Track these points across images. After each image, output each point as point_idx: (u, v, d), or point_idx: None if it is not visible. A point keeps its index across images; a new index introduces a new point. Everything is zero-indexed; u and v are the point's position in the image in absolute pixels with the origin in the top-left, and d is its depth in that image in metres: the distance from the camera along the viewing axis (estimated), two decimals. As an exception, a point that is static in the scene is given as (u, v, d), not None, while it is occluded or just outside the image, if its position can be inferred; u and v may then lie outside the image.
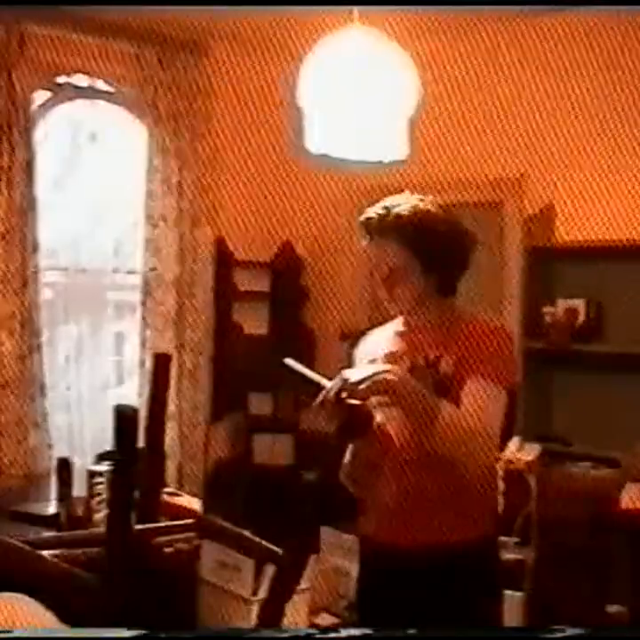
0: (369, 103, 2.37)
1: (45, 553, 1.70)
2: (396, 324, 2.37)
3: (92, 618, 1.60)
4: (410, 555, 2.18)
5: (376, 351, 2.33)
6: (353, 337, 4.44)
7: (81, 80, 4.31)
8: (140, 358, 4.43)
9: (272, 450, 4.74)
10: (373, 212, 2.24)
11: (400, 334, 2.33)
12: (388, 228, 2.20)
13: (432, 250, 2.21)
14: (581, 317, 4.01)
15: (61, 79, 4.24)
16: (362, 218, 2.26)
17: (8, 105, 3.87)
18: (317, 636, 1.46)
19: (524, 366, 4.03)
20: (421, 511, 2.19)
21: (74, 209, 4.40)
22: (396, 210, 2.21)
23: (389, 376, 2.09)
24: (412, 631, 1.43)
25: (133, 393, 4.41)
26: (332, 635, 1.45)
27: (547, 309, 4.03)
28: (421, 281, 2.24)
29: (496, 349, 2.21)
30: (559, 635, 1.38)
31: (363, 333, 2.53)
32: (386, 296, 2.27)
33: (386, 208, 2.22)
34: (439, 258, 2.23)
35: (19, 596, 1.58)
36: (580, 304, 4.01)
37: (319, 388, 2.10)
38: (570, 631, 1.36)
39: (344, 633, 1.47)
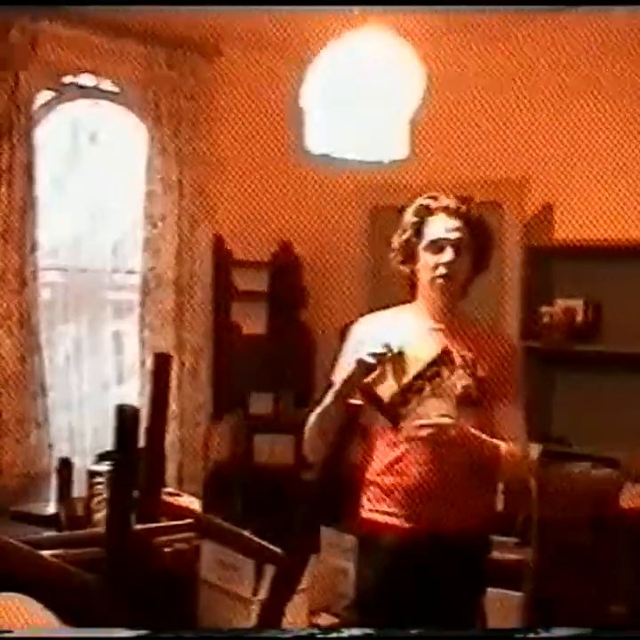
0: (370, 103, 2.37)
1: (45, 553, 1.70)
2: (424, 319, 2.41)
3: (92, 618, 1.60)
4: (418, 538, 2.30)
5: (404, 342, 2.30)
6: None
7: (87, 80, 4.30)
8: (139, 358, 4.43)
9: (272, 450, 4.74)
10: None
11: (439, 331, 2.38)
12: (463, 212, 2.36)
13: (483, 240, 2.40)
14: (580, 317, 4.01)
15: (67, 79, 4.23)
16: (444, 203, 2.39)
17: (10, 105, 3.87)
18: (319, 636, 1.46)
19: (523, 366, 4.03)
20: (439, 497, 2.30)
21: (74, 209, 4.39)
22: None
23: (454, 431, 2.20)
24: (413, 631, 1.43)
25: (134, 393, 4.41)
26: (334, 635, 1.45)
27: (545, 309, 4.03)
28: (469, 267, 2.39)
29: (517, 369, 2.45)
30: (550, 635, 1.38)
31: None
32: (445, 268, 2.34)
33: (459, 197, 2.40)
34: (483, 251, 2.41)
35: (19, 595, 1.58)
36: (578, 304, 4.02)
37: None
38: (556, 631, 1.36)
39: (346, 633, 1.47)
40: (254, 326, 4.89)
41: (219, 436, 4.77)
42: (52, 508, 3.04)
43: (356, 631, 1.48)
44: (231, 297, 4.80)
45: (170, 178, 4.44)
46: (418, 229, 2.38)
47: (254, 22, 4.23)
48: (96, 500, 2.78)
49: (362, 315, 2.56)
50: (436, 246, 2.35)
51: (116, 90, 4.39)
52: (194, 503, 2.64)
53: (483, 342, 2.37)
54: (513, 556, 3.60)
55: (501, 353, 2.37)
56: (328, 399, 2.33)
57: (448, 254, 2.34)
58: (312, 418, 2.39)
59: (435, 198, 2.40)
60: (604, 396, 3.94)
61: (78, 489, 2.96)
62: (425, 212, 2.39)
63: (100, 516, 2.67)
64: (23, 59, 3.87)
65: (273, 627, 1.71)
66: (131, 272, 4.58)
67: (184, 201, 4.49)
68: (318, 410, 2.37)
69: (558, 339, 3.96)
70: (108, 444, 1.74)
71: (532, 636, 1.47)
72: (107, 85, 4.37)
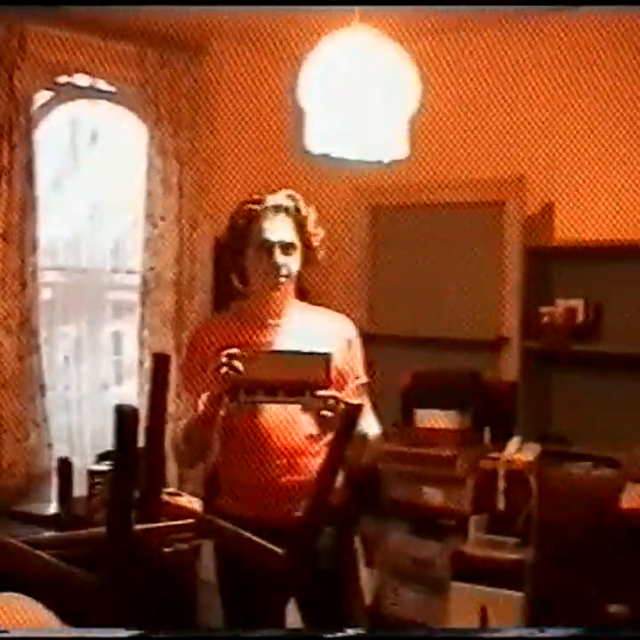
0: (369, 103, 2.37)
1: (45, 553, 1.70)
2: (263, 318, 2.52)
3: (92, 618, 1.60)
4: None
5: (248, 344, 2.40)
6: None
7: (82, 80, 4.30)
8: (139, 358, 4.43)
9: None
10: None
11: (277, 328, 2.48)
12: (292, 209, 2.48)
13: (309, 235, 2.47)
14: (580, 317, 4.01)
15: (63, 79, 4.23)
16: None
17: (9, 105, 3.86)
18: (319, 635, 1.46)
19: (523, 366, 4.04)
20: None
21: (74, 209, 4.39)
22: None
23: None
24: (412, 633, 1.43)
25: (133, 393, 4.41)
26: (333, 634, 1.45)
27: (545, 309, 4.03)
28: (299, 261, 2.45)
29: (358, 353, 2.50)
30: (549, 635, 1.39)
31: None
32: (275, 266, 2.41)
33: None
34: (310, 246, 2.47)
35: (19, 595, 1.58)
36: (578, 304, 4.01)
37: None
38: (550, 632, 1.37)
39: (345, 633, 1.47)
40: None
41: (219, 435, 4.76)
42: (52, 508, 3.04)
43: (356, 631, 1.48)
44: (231, 297, 4.79)
45: (170, 178, 4.44)
46: (246, 232, 2.45)
47: (250, 20, 4.23)
48: (96, 499, 2.79)
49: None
50: (264, 246, 2.42)
51: (114, 90, 4.39)
52: (194, 503, 2.64)
53: (322, 332, 2.42)
54: (513, 556, 3.60)
55: (342, 339, 2.45)
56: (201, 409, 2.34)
57: (276, 253, 2.41)
58: (186, 430, 2.42)
59: (258, 201, 2.48)
60: (603, 396, 3.94)
61: (78, 489, 2.97)
62: (251, 214, 2.46)
63: (100, 515, 2.67)
64: (13, 57, 3.86)
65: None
66: (131, 272, 4.58)
67: (184, 201, 4.49)
68: (191, 420, 2.40)
69: (558, 339, 3.95)
70: (108, 443, 1.74)
71: (531, 635, 1.47)
72: (104, 85, 4.36)
